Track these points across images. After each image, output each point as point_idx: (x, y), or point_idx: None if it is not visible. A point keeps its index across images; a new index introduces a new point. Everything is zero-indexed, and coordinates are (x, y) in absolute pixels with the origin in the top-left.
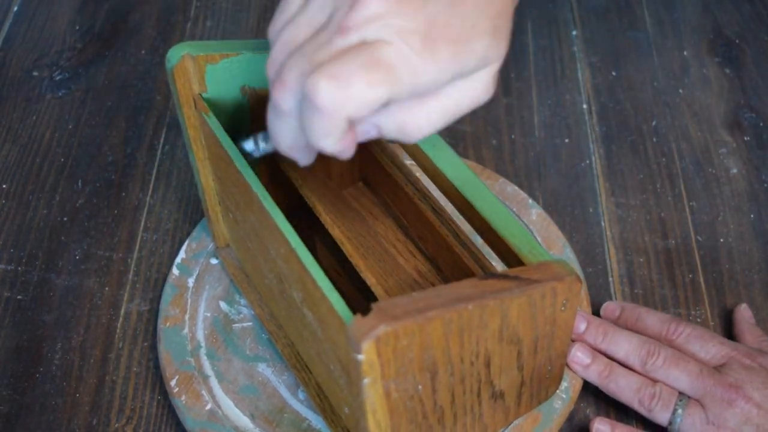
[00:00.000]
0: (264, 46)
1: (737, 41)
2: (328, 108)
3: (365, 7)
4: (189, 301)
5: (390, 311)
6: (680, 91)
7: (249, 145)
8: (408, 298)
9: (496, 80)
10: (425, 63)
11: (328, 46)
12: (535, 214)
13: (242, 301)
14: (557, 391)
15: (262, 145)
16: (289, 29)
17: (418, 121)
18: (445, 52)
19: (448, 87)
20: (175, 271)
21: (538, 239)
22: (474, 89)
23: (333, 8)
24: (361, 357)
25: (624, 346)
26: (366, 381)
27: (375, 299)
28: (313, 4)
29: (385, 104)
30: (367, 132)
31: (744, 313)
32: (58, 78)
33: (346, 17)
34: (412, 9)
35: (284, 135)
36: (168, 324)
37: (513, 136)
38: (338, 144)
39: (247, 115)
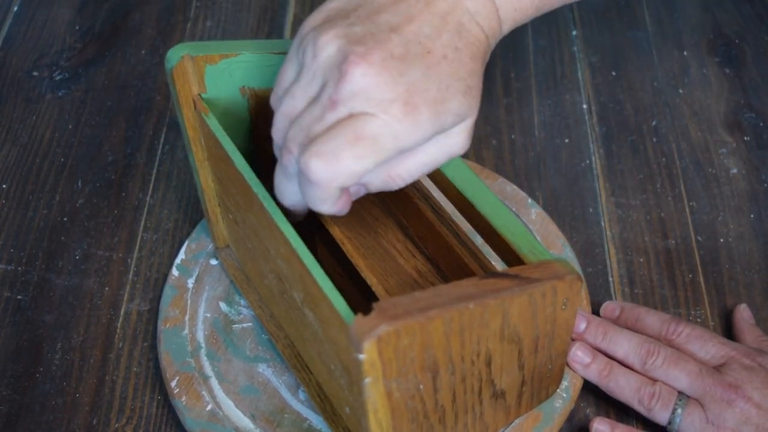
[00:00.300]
0: (264, 47)
1: (737, 41)
2: (321, 182)
3: (349, 82)
4: (189, 302)
5: (391, 311)
6: (680, 91)
7: None
8: (409, 297)
9: (472, 133)
10: (406, 128)
11: (321, 121)
12: (535, 214)
13: (242, 302)
14: (558, 391)
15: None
16: (287, 101)
17: (401, 174)
18: (424, 115)
19: (427, 144)
20: (174, 272)
21: (538, 239)
22: (451, 144)
23: (324, 79)
24: (362, 356)
25: (624, 345)
26: (367, 381)
27: (375, 299)
28: (306, 76)
29: (372, 170)
30: (357, 191)
31: (743, 314)
32: (58, 78)
33: (334, 92)
34: (392, 79)
35: (289, 195)
36: (168, 325)
37: (513, 136)
38: (334, 207)
39: (247, 115)
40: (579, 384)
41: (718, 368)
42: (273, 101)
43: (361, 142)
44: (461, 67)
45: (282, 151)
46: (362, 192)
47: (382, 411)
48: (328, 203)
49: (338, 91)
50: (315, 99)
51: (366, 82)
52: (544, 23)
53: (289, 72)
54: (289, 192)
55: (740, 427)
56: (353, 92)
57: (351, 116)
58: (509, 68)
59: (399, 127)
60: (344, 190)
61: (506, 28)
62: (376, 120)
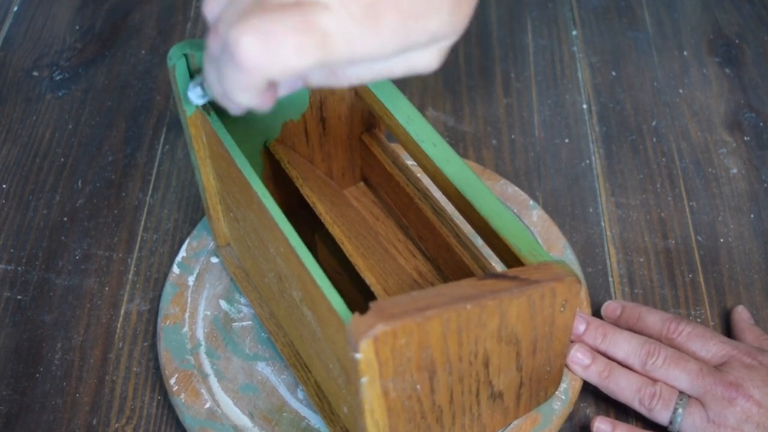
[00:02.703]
0: None
1: (737, 41)
2: (248, 65)
3: None
4: (189, 299)
5: (388, 310)
6: (680, 91)
7: (197, 90)
8: (406, 297)
9: (444, 54)
10: (364, 35)
11: (263, 3)
12: (536, 216)
13: (242, 300)
14: (556, 392)
15: (208, 90)
16: None
17: (348, 78)
18: (389, 26)
19: (393, 57)
20: (175, 269)
21: (539, 240)
22: (415, 60)
23: None
24: (359, 356)
25: (624, 346)
26: (364, 380)
27: (374, 299)
28: None
29: (314, 69)
30: (292, 85)
31: (742, 314)
32: (58, 78)
33: None
34: None
35: (213, 81)
36: (168, 322)
37: (513, 136)
38: (253, 101)
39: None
40: (578, 386)
41: (718, 367)
42: None
43: (310, 32)
44: None
45: (210, 30)
46: (298, 86)
47: (378, 411)
48: (249, 94)
49: None
50: None
51: None
52: (544, 23)
53: None
54: (212, 77)
55: (741, 425)
56: None
57: (299, 3)
58: (509, 68)
59: (355, 30)
60: (271, 83)
61: None
62: (330, 14)
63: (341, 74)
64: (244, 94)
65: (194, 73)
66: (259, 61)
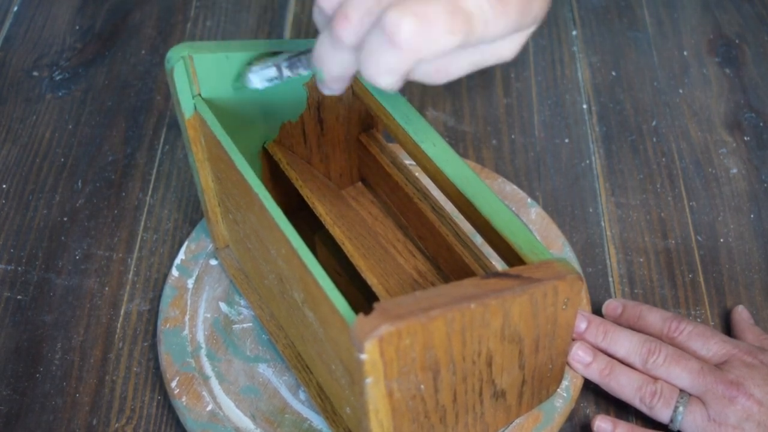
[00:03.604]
0: (263, 47)
1: (737, 41)
2: (407, 46)
3: None
4: (189, 302)
5: (393, 311)
6: (680, 91)
7: (271, 72)
8: (410, 297)
9: (525, 42)
10: (497, 17)
11: None
12: (535, 214)
13: (242, 302)
14: (558, 390)
15: (286, 72)
16: None
17: (450, 69)
18: (514, 9)
19: (490, 43)
20: (174, 272)
21: (538, 238)
22: (505, 48)
23: None
24: (363, 356)
25: (625, 344)
26: (368, 381)
27: (376, 299)
28: None
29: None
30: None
31: (742, 314)
32: (58, 78)
33: None
34: None
35: (335, 66)
36: (168, 325)
37: (513, 136)
38: (394, 82)
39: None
40: (579, 383)
41: (719, 366)
42: None
43: (459, 16)
44: None
45: (336, 17)
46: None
47: (383, 411)
48: (395, 75)
49: None
50: None
51: None
52: (544, 23)
53: None
54: (335, 64)
55: (742, 424)
56: None
57: None
58: (509, 68)
59: (491, 13)
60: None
61: None
62: None
63: (444, 72)
64: (389, 76)
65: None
66: (416, 42)
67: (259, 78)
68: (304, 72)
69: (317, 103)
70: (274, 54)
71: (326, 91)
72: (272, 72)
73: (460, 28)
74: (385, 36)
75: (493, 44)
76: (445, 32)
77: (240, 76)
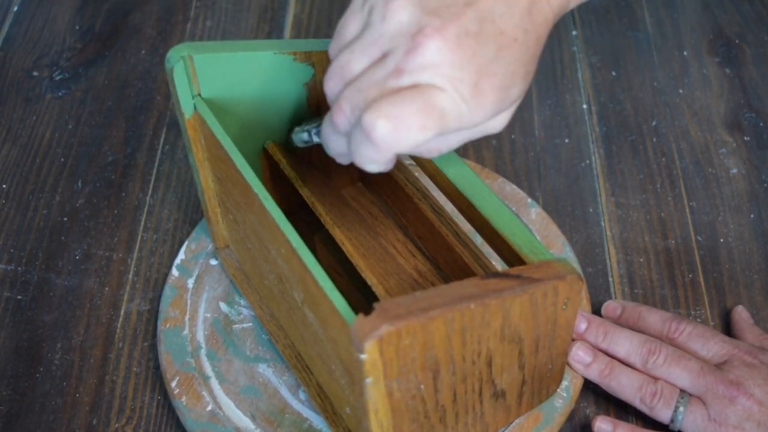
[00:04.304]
0: (263, 47)
1: (737, 41)
2: (381, 145)
3: (422, 54)
4: (189, 302)
5: (392, 311)
6: (680, 91)
7: (304, 136)
8: (410, 297)
9: (512, 115)
10: (471, 110)
11: (382, 85)
12: (535, 214)
13: (242, 302)
14: (558, 390)
15: (315, 138)
16: (346, 55)
17: (440, 148)
18: (489, 100)
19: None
20: (174, 272)
21: (538, 238)
22: (493, 125)
23: (389, 46)
24: (363, 356)
25: (625, 344)
26: (368, 381)
27: (376, 299)
28: (370, 35)
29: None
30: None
31: (742, 314)
32: (58, 78)
33: (402, 60)
34: (465, 59)
35: (334, 146)
36: (168, 325)
37: (513, 136)
38: (380, 168)
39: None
40: (579, 384)
41: (719, 366)
42: (331, 51)
43: (431, 112)
44: (527, 52)
45: (333, 107)
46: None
47: (382, 411)
48: (378, 165)
49: (408, 60)
50: (377, 63)
51: (439, 57)
52: None
53: (351, 26)
54: (334, 144)
55: (742, 423)
56: (423, 65)
57: (416, 86)
58: None
59: (464, 107)
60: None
61: (573, 4)
62: (446, 95)
63: (435, 150)
64: (373, 165)
65: (301, 121)
66: (390, 140)
67: (297, 139)
68: None
69: (317, 103)
70: (317, 117)
71: (341, 162)
72: (304, 136)
73: (433, 125)
74: (364, 133)
75: (477, 126)
76: (418, 128)
77: (291, 137)
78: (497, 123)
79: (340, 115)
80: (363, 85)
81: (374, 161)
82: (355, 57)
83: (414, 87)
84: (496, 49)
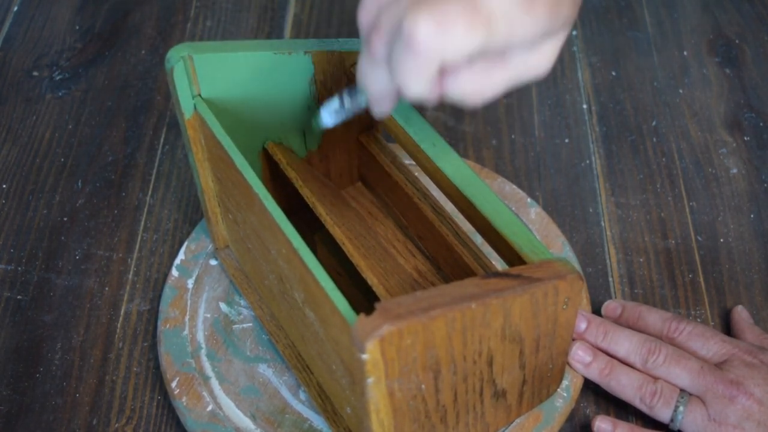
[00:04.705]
0: (263, 47)
1: (737, 41)
2: (425, 49)
3: None
4: (189, 302)
5: (394, 310)
6: (680, 91)
7: (334, 104)
8: (411, 297)
9: (558, 52)
10: (522, 17)
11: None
12: (534, 213)
13: (242, 302)
14: (558, 390)
15: (347, 102)
16: None
17: (484, 87)
18: (540, 11)
19: (521, 54)
20: (174, 272)
21: (538, 238)
22: (540, 60)
23: None
24: (365, 356)
25: (625, 344)
26: (370, 380)
27: (376, 299)
28: None
29: (476, 55)
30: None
31: (742, 314)
32: (58, 78)
33: None
34: None
35: (373, 82)
36: (168, 326)
37: (513, 136)
38: (426, 88)
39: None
40: (579, 383)
41: (719, 366)
42: None
43: (477, 14)
44: None
45: (372, 33)
46: (437, 94)
47: (384, 411)
48: (423, 80)
49: None
50: None
51: None
52: None
53: None
54: (375, 79)
55: (742, 423)
56: None
57: None
58: None
59: (516, 13)
60: (440, 72)
61: None
62: None
63: (479, 91)
64: (418, 82)
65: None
66: (434, 42)
67: (327, 112)
68: (364, 103)
69: (317, 103)
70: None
71: (377, 112)
72: (335, 103)
73: (480, 27)
74: (405, 39)
75: (525, 55)
76: (465, 30)
77: (315, 120)
78: (545, 57)
79: (378, 36)
80: (402, 2)
81: (418, 76)
82: None
83: None
84: None
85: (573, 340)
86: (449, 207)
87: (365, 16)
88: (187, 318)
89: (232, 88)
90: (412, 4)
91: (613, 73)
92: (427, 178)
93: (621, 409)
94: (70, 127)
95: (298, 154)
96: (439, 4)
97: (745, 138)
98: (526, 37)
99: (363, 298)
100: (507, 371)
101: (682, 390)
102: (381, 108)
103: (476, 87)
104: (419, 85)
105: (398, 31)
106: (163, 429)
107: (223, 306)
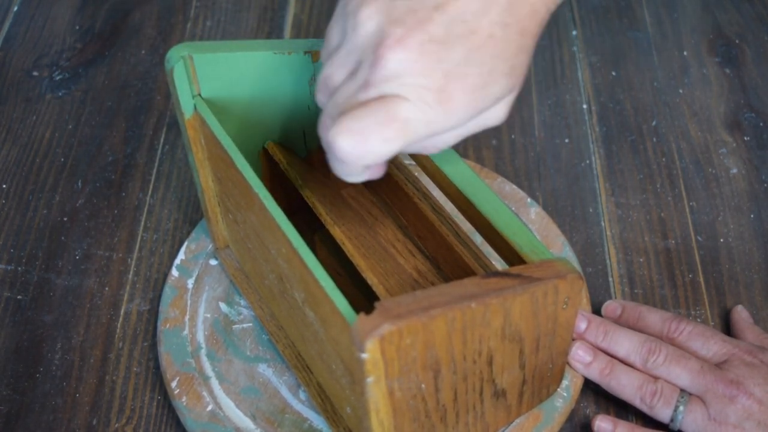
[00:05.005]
0: (263, 47)
1: (737, 41)
2: (346, 159)
3: (384, 66)
4: (189, 302)
5: (394, 310)
6: (680, 91)
7: None
8: (411, 296)
9: (512, 104)
10: (439, 115)
11: (353, 98)
12: (534, 213)
13: (242, 302)
14: (558, 390)
15: None
16: (328, 67)
17: (435, 145)
18: (460, 103)
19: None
20: (174, 272)
21: (538, 238)
22: (488, 117)
23: (360, 58)
24: (365, 356)
25: (625, 344)
26: (370, 380)
27: (376, 299)
28: (345, 48)
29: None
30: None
31: (741, 314)
32: (58, 78)
33: (369, 73)
34: (430, 65)
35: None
36: (168, 326)
37: (513, 136)
38: (362, 178)
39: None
40: (579, 383)
41: (719, 365)
42: (321, 59)
43: (392, 124)
44: (508, 45)
45: (320, 122)
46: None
47: (383, 410)
48: (355, 177)
49: (372, 73)
50: (351, 74)
51: (401, 68)
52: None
53: (334, 34)
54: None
55: (742, 423)
56: (387, 77)
57: (382, 98)
58: None
59: (432, 113)
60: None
61: None
62: (409, 104)
63: (431, 147)
64: (350, 177)
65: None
66: (353, 155)
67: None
68: None
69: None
70: None
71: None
72: None
73: (397, 136)
74: (330, 151)
75: (472, 121)
76: (381, 142)
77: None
78: (494, 116)
79: (324, 130)
80: (339, 99)
81: (347, 174)
82: (335, 69)
83: (379, 99)
84: (466, 50)
85: (573, 340)
86: (449, 207)
87: (319, 100)
88: (187, 318)
89: (232, 88)
90: (337, 115)
91: (613, 73)
92: (427, 178)
93: (621, 408)
94: (70, 127)
95: (299, 154)
96: (357, 119)
97: (745, 138)
98: (452, 126)
99: (363, 298)
100: (507, 371)
101: (682, 390)
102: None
103: (428, 148)
104: (355, 178)
105: (326, 142)
106: (163, 429)
107: (223, 306)
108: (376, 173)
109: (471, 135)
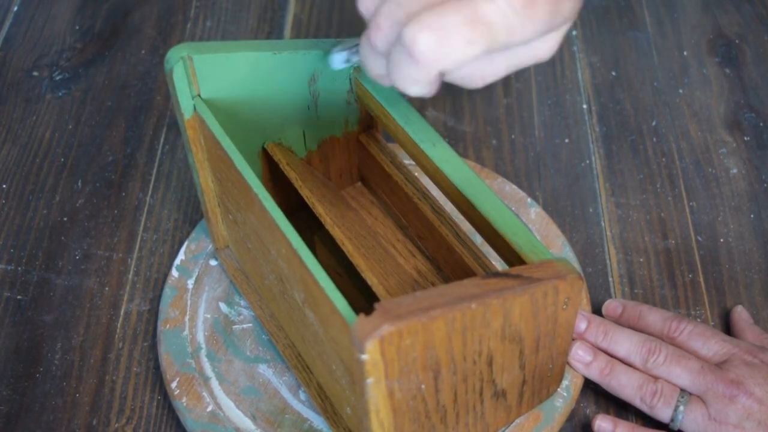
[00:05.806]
0: (263, 47)
1: (737, 41)
2: (425, 60)
3: None
4: (189, 302)
5: (393, 310)
6: (680, 91)
7: (343, 55)
8: (411, 297)
9: (561, 40)
10: (523, 23)
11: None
12: (534, 213)
13: (242, 303)
14: (558, 390)
15: (354, 58)
16: None
17: (485, 73)
18: (542, 13)
19: (523, 46)
20: (174, 272)
21: (538, 238)
22: (542, 48)
23: None
24: (364, 357)
25: (625, 344)
26: (370, 381)
27: (376, 299)
28: None
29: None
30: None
31: (741, 314)
32: (58, 78)
33: None
34: None
35: (373, 68)
36: (168, 326)
37: (513, 136)
38: (423, 90)
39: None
40: (579, 383)
41: (720, 365)
42: None
43: (477, 26)
44: None
45: (370, 25)
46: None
47: (383, 411)
48: (421, 86)
49: None
50: None
51: None
52: None
53: None
54: (373, 65)
55: (742, 422)
56: None
57: None
58: None
59: (516, 19)
60: (440, 74)
61: None
62: (494, 6)
63: (481, 77)
64: (416, 86)
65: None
66: (434, 55)
67: (336, 61)
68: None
69: (317, 102)
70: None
71: (384, 85)
72: (344, 56)
73: (480, 38)
74: (405, 49)
75: (527, 46)
76: (464, 44)
77: (326, 59)
78: (547, 46)
79: (378, 32)
80: (402, 3)
81: (417, 81)
82: None
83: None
84: None
85: (573, 340)
86: (449, 207)
87: (364, 8)
88: (187, 318)
89: (231, 89)
90: (413, 14)
91: (613, 73)
92: (427, 178)
93: (621, 408)
94: (70, 127)
95: (298, 154)
96: (441, 16)
97: (745, 138)
98: (527, 38)
99: (363, 298)
100: (507, 371)
101: (682, 390)
102: (385, 84)
103: (476, 73)
104: (418, 89)
105: (399, 38)
106: (163, 429)
107: (223, 306)
108: (432, 91)
109: (516, 70)
